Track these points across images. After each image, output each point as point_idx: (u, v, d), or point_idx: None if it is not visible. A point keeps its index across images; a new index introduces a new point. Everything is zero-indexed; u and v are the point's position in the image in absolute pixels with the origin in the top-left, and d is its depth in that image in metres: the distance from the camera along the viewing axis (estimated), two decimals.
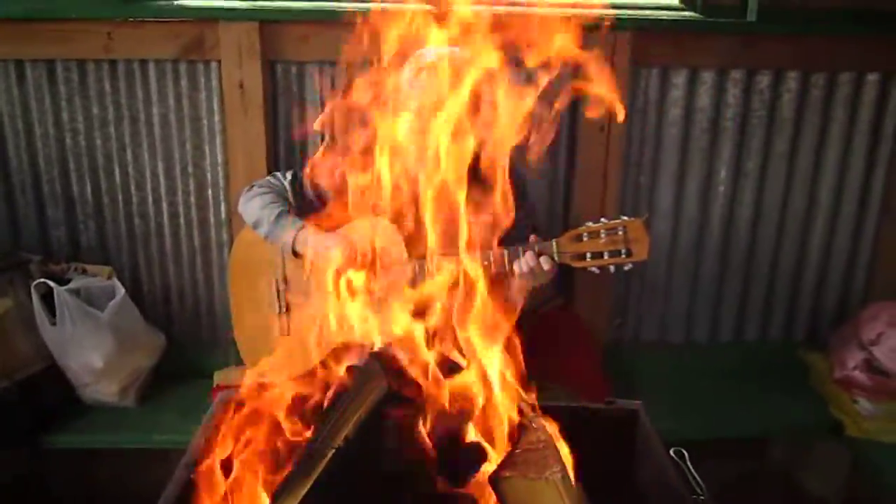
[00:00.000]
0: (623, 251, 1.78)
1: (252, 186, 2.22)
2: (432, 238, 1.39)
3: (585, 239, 1.81)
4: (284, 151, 2.62)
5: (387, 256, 1.96)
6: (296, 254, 2.10)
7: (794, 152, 2.69)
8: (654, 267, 2.76)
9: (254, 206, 2.14)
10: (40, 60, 2.51)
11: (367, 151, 1.66)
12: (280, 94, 2.57)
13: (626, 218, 1.80)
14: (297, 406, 1.40)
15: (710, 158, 2.68)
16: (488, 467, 1.16)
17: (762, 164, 2.69)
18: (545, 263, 1.83)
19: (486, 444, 1.17)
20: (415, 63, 1.96)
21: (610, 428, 1.45)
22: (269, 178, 2.24)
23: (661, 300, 2.83)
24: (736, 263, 2.79)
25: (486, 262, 1.84)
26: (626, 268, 1.80)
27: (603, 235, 1.79)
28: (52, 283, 2.40)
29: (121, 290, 2.50)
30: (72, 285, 2.44)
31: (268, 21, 2.45)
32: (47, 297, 2.41)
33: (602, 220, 1.81)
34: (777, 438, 2.67)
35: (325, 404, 1.38)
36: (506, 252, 1.86)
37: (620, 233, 1.78)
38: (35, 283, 2.41)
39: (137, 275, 2.74)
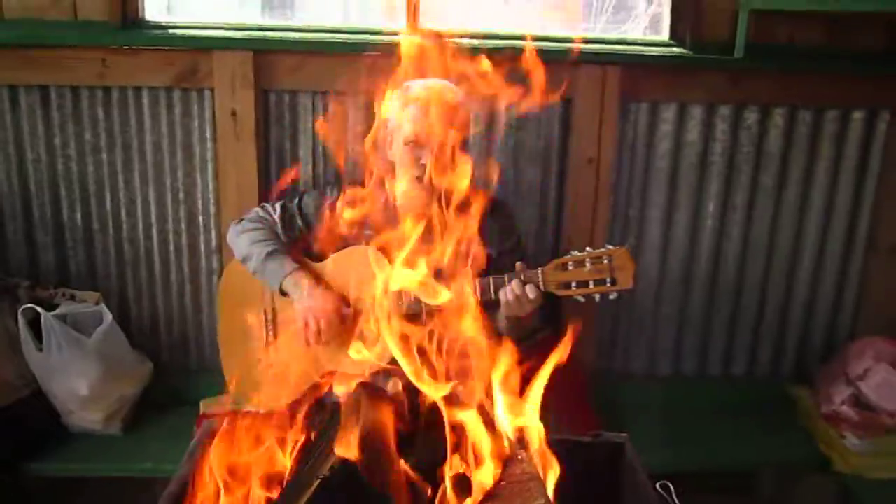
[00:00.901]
0: (608, 280, 1.79)
1: (241, 220, 2.22)
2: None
3: (571, 268, 1.82)
4: (276, 180, 2.63)
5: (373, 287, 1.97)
6: (283, 293, 2.11)
7: (781, 188, 2.72)
8: (642, 299, 2.77)
9: (243, 242, 2.15)
10: (34, 86, 2.52)
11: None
12: (272, 123, 2.58)
13: (610, 247, 1.81)
14: (284, 435, 1.40)
15: (698, 192, 2.71)
16: (473, 499, 1.16)
17: (749, 198, 2.72)
18: (531, 292, 1.84)
19: (471, 476, 1.17)
20: (404, 95, 1.98)
21: (596, 461, 1.45)
22: (257, 209, 2.25)
23: (650, 333, 2.84)
24: (724, 297, 2.80)
25: (472, 290, 1.84)
26: (611, 297, 1.81)
27: (588, 264, 1.80)
28: (39, 309, 2.38)
29: (108, 317, 2.49)
30: (59, 311, 2.43)
31: (261, 51, 2.47)
32: (34, 323, 2.39)
33: (587, 249, 1.82)
34: (764, 473, 2.66)
35: (312, 434, 1.37)
36: (491, 280, 1.87)
37: (605, 262, 1.79)
38: (22, 308, 2.40)
39: (125, 301, 2.73)
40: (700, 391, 2.83)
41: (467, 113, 1.98)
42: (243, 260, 2.15)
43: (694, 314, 2.82)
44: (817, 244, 2.77)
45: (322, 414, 1.37)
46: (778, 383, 2.84)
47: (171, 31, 2.52)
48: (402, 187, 2.03)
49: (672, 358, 2.87)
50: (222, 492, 1.33)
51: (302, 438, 1.37)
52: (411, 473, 1.13)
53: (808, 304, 2.83)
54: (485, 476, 1.16)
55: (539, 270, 1.86)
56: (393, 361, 1.70)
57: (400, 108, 1.99)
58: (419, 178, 1.95)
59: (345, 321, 2.03)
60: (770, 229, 2.75)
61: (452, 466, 1.17)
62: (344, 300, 2.05)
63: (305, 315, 2.04)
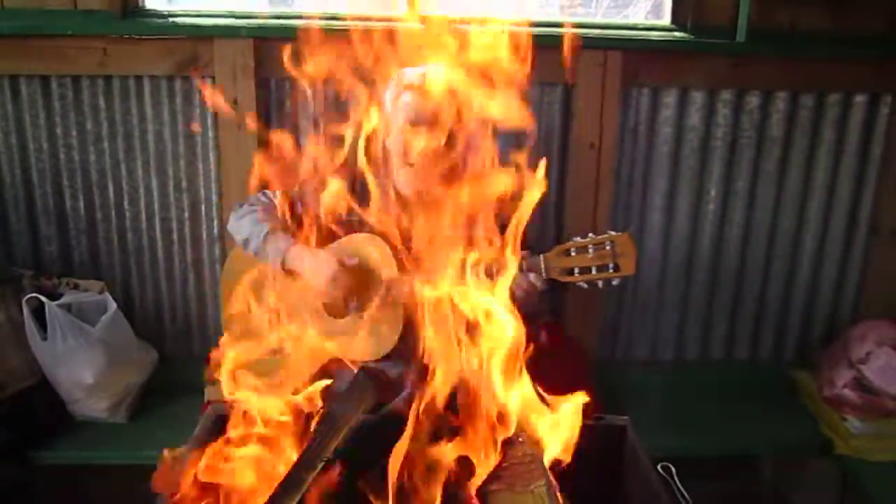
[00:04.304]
0: (611, 266, 1.79)
1: (242, 205, 2.22)
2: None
3: (573, 254, 1.82)
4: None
5: (377, 272, 1.98)
6: (286, 270, 2.11)
7: (784, 172, 2.71)
8: (645, 284, 2.78)
9: (243, 224, 2.15)
10: (35, 76, 2.53)
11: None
12: (274, 111, 2.58)
13: (613, 233, 1.81)
14: (289, 419, 1.41)
15: (700, 177, 2.71)
16: (476, 481, 1.17)
17: (752, 183, 2.72)
18: (536, 280, 1.84)
19: (473, 458, 1.18)
20: (397, 82, 1.98)
21: (598, 444, 1.46)
22: (258, 194, 2.25)
23: (652, 318, 2.84)
24: (726, 282, 2.80)
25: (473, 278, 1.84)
26: (613, 282, 1.80)
27: (590, 250, 1.79)
28: (43, 298, 2.40)
29: (112, 306, 2.50)
30: (63, 300, 2.44)
31: (262, 38, 2.47)
32: (39, 312, 2.40)
33: (590, 235, 1.82)
34: (766, 456, 2.68)
35: (316, 418, 1.38)
36: (493, 268, 1.87)
37: (608, 247, 1.79)
38: (26, 297, 2.41)
39: (129, 290, 2.74)
40: (702, 375, 2.84)
41: (464, 98, 1.98)
42: (245, 243, 2.14)
43: (696, 299, 2.82)
44: (819, 228, 2.77)
45: (327, 399, 1.38)
46: (780, 367, 2.85)
47: (171, 19, 2.52)
48: (399, 174, 2.03)
49: (674, 343, 2.88)
50: (227, 476, 1.34)
51: (306, 421, 1.38)
52: (412, 456, 1.14)
53: (810, 287, 2.83)
54: (487, 458, 1.17)
55: (541, 257, 1.86)
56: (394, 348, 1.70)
57: (395, 95, 1.99)
58: (415, 165, 1.96)
59: (353, 277, 2.02)
60: (772, 213, 2.75)
61: (455, 449, 1.18)
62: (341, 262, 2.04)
63: (325, 277, 2.02)
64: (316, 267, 2.03)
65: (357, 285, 2.01)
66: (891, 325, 2.62)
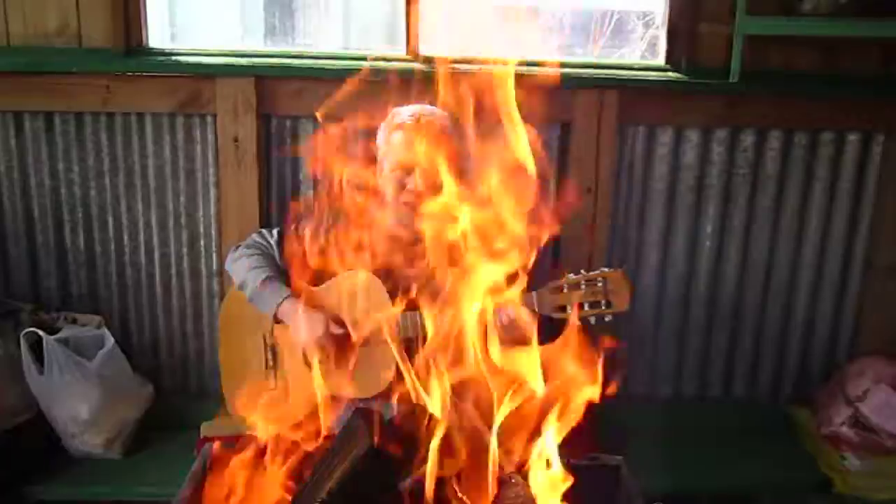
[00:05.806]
0: (603, 303, 1.80)
1: (239, 246, 2.24)
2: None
3: (566, 290, 1.83)
4: (277, 204, 2.65)
5: (371, 310, 1.98)
6: (277, 321, 2.12)
7: (778, 209, 2.73)
8: (642, 322, 2.78)
9: (240, 268, 2.16)
10: (39, 112, 2.56)
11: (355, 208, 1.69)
12: (274, 149, 2.61)
13: (606, 270, 1.82)
14: (283, 459, 1.41)
15: (695, 215, 2.72)
16: None
17: (747, 220, 2.73)
18: (525, 315, 1.84)
19: (467, 500, 1.18)
20: (391, 122, 2.01)
21: (592, 484, 1.46)
22: (255, 235, 2.26)
23: (650, 355, 2.84)
24: (723, 319, 2.81)
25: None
26: (606, 319, 1.81)
27: (583, 287, 1.80)
28: (41, 332, 2.40)
29: (110, 340, 2.50)
30: (61, 334, 2.44)
31: (263, 77, 2.50)
32: (36, 346, 2.41)
33: (582, 271, 1.83)
34: (764, 495, 2.65)
35: (310, 458, 1.38)
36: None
37: (600, 284, 1.80)
38: (24, 331, 2.41)
39: (127, 325, 2.75)
40: (700, 413, 2.83)
41: (455, 138, 1.99)
42: (240, 287, 2.16)
43: (693, 336, 2.82)
44: (815, 264, 2.78)
45: (320, 438, 1.38)
46: (778, 404, 2.84)
47: (174, 57, 2.55)
48: (391, 213, 2.05)
49: (671, 380, 2.87)
50: None
51: (301, 461, 1.38)
52: (406, 497, 1.15)
53: (806, 324, 2.84)
54: (480, 499, 1.17)
55: (534, 293, 1.87)
56: (389, 387, 1.71)
57: (387, 135, 2.02)
58: (407, 204, 1.98)
59: (338, 342, 2.04)
60: (768, 250, 2.76)
61: (448, 490, 1.18)
62: (336, 321, 2.05)
63: (303, 345, 2.05)
64: (303, 328, 2.04)
65: (344, 340, 2.02)
66: (888, 361, 2.62)
